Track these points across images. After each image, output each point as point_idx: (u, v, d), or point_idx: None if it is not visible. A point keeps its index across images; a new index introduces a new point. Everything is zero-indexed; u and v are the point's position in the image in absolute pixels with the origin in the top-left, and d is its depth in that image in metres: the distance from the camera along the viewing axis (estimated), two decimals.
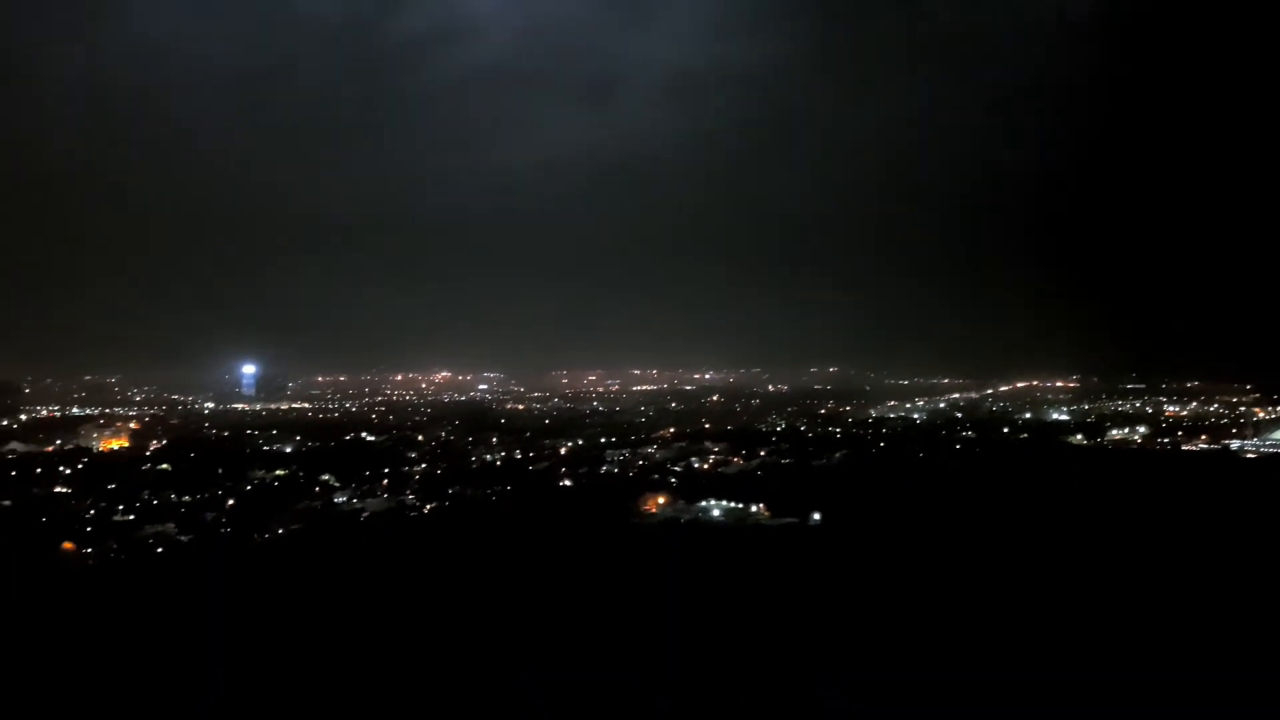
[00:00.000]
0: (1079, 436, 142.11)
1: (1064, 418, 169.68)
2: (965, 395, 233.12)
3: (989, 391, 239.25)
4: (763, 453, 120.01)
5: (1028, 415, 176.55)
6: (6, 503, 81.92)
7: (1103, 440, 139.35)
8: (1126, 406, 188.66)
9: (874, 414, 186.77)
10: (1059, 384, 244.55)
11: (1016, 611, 43.35)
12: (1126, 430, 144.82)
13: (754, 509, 78.86)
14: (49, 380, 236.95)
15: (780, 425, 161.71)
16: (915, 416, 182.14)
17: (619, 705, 32.17)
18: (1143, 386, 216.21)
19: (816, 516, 74.13)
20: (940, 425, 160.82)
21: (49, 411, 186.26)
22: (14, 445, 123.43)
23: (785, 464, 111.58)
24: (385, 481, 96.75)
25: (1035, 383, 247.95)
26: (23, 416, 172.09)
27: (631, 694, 32.79)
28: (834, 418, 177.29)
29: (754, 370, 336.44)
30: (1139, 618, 42.01)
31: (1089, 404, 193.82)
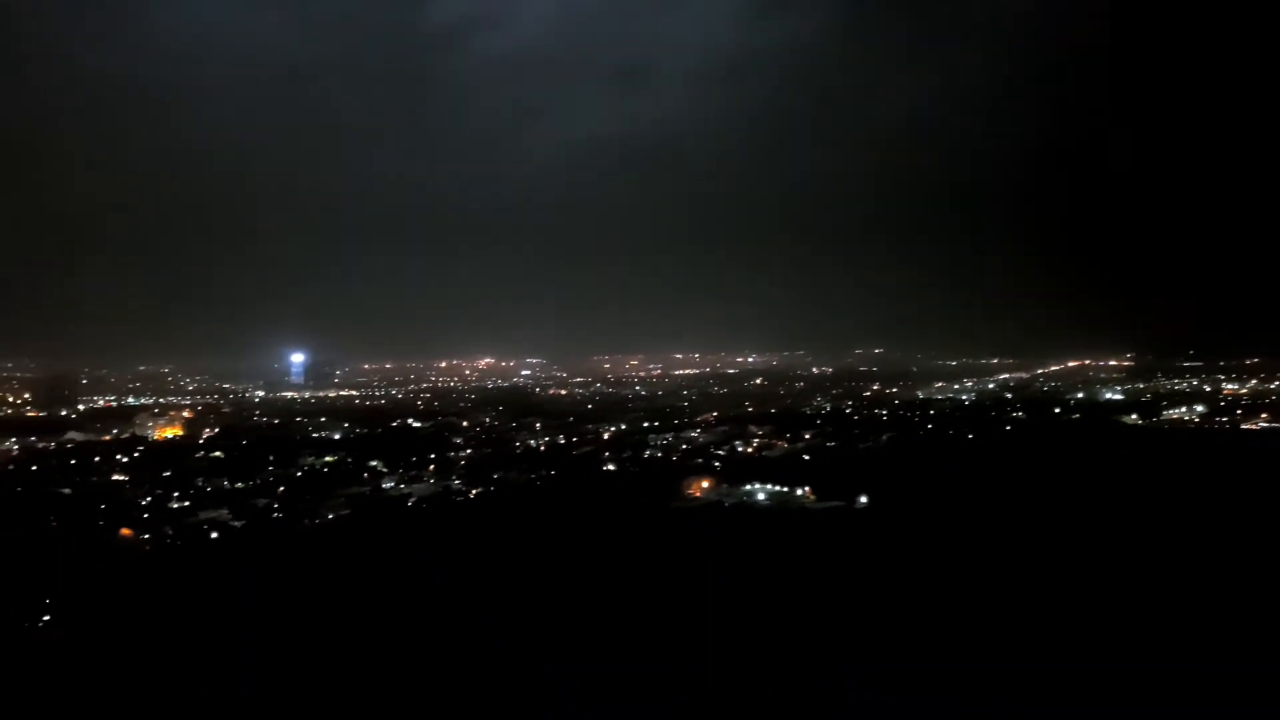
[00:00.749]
0: (1133, 416, 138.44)
1: (1118, 397, 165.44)
2: (1015, 375, 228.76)
3: (1039, 371, 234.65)
4: (807, 436, 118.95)
5: (1080, 395, 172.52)
6: (66, 490, 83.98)
7: (1158, 420, 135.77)
8: (1183, 385, 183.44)
9: (921, 395, 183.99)
10: (1112, 363, 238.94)
11: (1067, 601, 42.17)
12: (1183, 409, 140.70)
13: (799, 492, 78.09)
14: (105, 371, 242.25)
15: (825, 408, 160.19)
16: (963, 398, 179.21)
17: (644, 697, 32.00)
18: (1200, 364, 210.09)
19: (863, 500, 73.14)
20: (989, 406, 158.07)
21: (105, 401, 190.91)
22: (73, 435, 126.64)
23: (830, 447, 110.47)
24: (431, 466, 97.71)
25: (1087, 362, 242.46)
26: (81, 406, 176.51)
27: (657, 686, 32.65)
28: (880, 400, 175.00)
29: (797, 353, 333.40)
30: (1193, 607, 40.58)
31: (1143, 383, 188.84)
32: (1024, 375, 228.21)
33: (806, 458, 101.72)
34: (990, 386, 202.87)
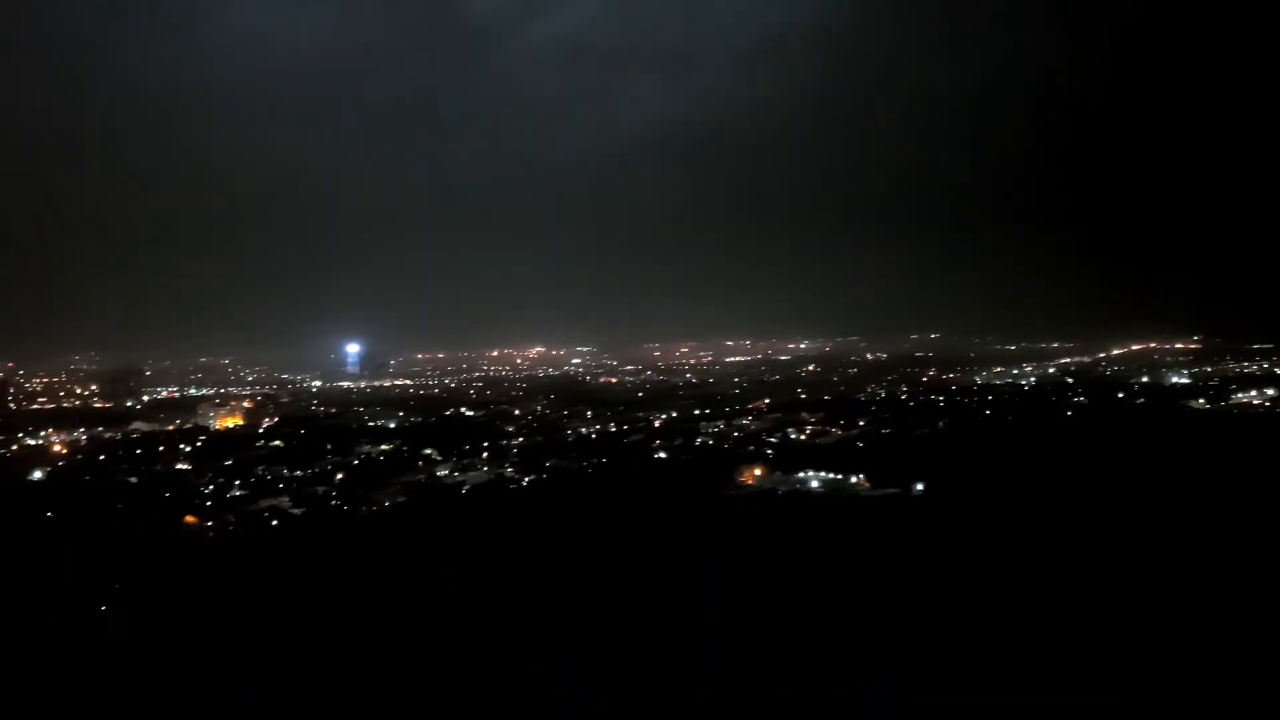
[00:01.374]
0: (1201, 400, 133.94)
1: (1184, 381, 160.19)
2: (1075, 359, 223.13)
3: (1101, 355, 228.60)
4: (862, 422, 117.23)
5: (1144, 379, 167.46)
6: (133, 480, 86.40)
7: (1227, 404, 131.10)
8: (1253, 368, 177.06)
9: (979, 381, 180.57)
10: (1178, 345, 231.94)
11: (1127, 598, 40.65)
12: (1253, 393, 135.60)
13: (853, 480, 77.07)
14: (168, 363, 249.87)
15: (880, 394, 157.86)
16: (1023, 382, 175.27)
17: (658, 696, 31.67)
18: (1270, 346, 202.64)
19: (919, 487, 71.85)
20: (1049, 391, 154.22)
21: (168, 392, 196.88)
22: (138, 425, 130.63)
23: (885, 434, 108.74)
24: (484, 454, 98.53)
25: (1152, 345, 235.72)
26: (145, 397, 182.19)
27: (671, 685, 32.28)
28: (936, 385, 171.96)
29: (851, 339, 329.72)
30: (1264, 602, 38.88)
31: (1211, 366, 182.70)
32: (1085, 359, 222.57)
33: (861, 445, 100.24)
34: (1050, 371, 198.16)
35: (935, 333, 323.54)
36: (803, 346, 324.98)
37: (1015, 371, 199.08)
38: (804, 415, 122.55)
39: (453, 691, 32.52)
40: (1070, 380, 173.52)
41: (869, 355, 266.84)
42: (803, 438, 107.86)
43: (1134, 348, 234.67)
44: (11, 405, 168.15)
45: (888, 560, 49.19)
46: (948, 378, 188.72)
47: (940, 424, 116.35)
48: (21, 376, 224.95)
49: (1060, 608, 38.99)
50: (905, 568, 47.19)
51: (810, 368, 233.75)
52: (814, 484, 78.02)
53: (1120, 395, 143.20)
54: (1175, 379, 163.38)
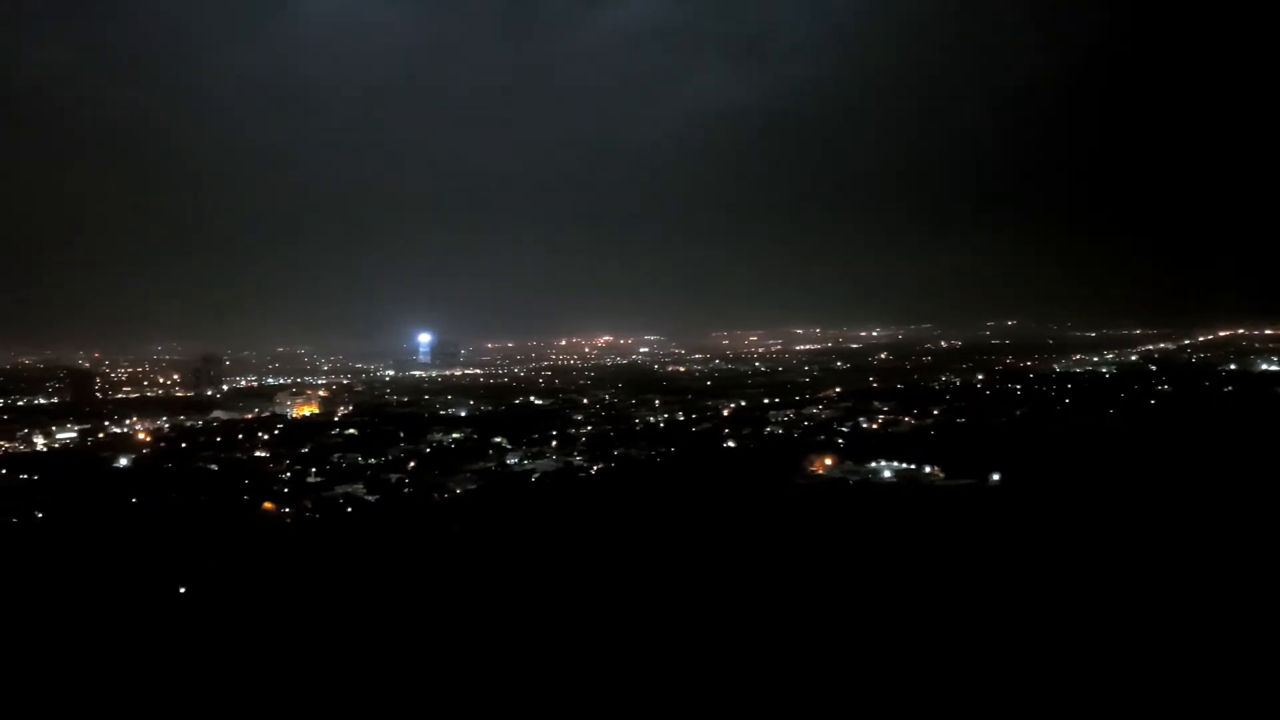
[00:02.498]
0: None
1: (1275, 368, 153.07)
2: (1160, 346, 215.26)
3: (1186, 342, 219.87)
4: (935, 411, 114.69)
5: (1232, 366, 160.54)
6: (213, 467, 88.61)
7: None
8: None
9: (1058, 368, 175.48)
10: (1269, 331, 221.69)
11: (1207, 595, 38.53)
12: None
13: (927, 470, 75.23)
14: (246, 352, 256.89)
15: (954, 382, 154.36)
16: (1104, 370, 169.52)
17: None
18: None
19: (996, 478, 69.78)
20: (1133, 378, 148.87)
21: (248, 381, 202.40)
22: (218, 413, 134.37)
23: (960, 423, 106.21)
24: (553, 443, 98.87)
25: (1240, 330, 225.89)
26: (225, 386, 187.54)
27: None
28: (1013, 373, 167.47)
29: (924, 326, 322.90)
30: None
31: None
32: (1170, 346, 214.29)
33: (934, 434, 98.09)
34: (1133, 358, 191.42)
35: (1012, 319, 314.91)
36: (874, 334, 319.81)
37: (1096, 359, 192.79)
38: (875, 403, 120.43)
39: (522, 679, 32.56)
40: (1153, 368, 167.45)
41: (943, 342, 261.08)
42: (874, 426, 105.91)
43: (1221, 334, 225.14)
44: (98, 394, 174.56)
45: (963, 553, 47.82)
46: (1025, 365, 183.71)
47: (1017, 413, 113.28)
48: (107, 366, 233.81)
49: (1147, 607, 37.34)
50: (982, 561, 45.81)
51: (882, 355, 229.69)
52: (886, 474, 76.35)
53: (1207, 383, 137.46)
54: (1266, 366, 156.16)
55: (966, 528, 55.25)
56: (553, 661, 33.61)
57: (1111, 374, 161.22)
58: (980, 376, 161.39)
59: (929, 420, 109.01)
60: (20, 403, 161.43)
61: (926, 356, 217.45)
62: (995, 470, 70.17)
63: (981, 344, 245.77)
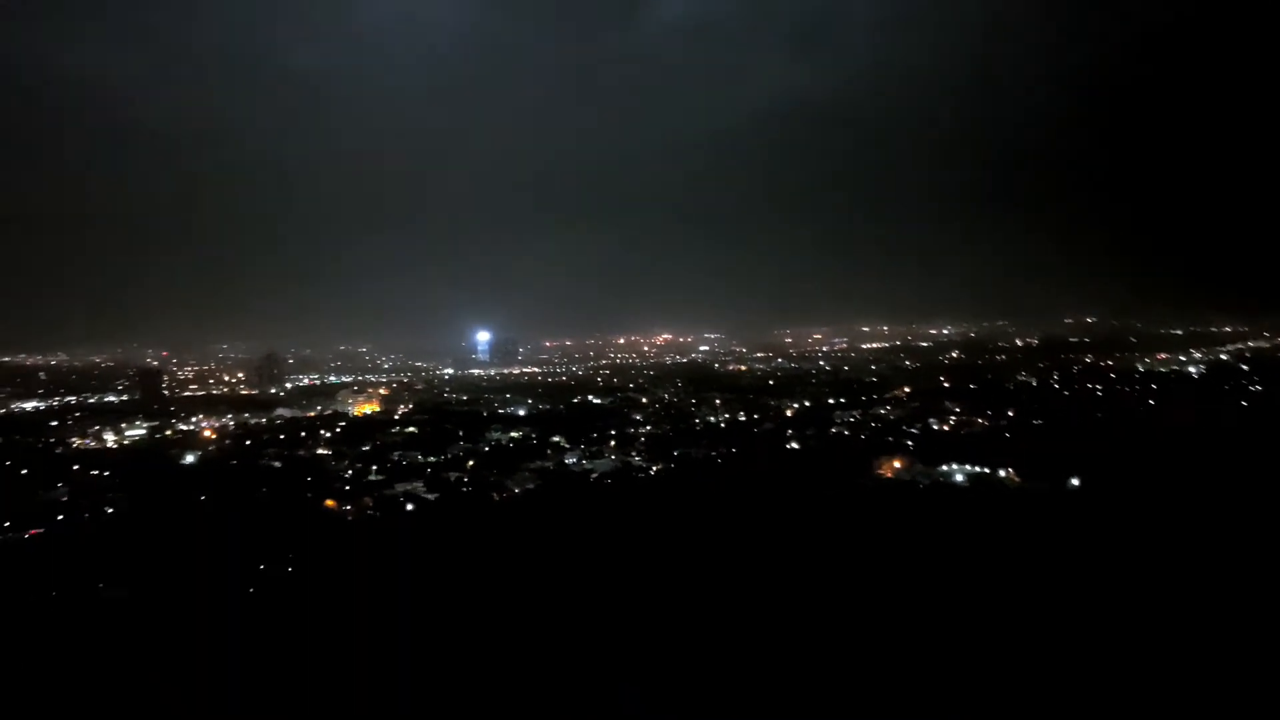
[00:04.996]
0: None
1: None
2: (1251, 344, 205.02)
3: None
4: (1010, 412, 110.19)
5: None
6: (277, 464, 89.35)
7: None
8: None
9: (1141, 367, 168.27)
10: None
11: None
12: None
13: (1001, 473, 71.95)
14: (309, 351, 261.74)
15: (1030, 381, 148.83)
16: (1190, 369, 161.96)
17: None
18: None
19: (1075, 482, 66.20)
20: (1222, 378, 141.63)
21: (310, 379, 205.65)
22: (281, 411, 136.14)
23: (1037, 425, 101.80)
24: (612, 442, 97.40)
25: None
26: (288, 384, 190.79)
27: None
28: (1093, 372, 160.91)
29: (998, 323, 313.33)
30: None
31: None
32: (1262, 344, 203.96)
33: (1009, 436, 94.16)
34: (1222, 357, 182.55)
35: (1092, 315, 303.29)
36: (945, 331, 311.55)
37: (1182, 357, 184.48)
38: (946, 404, 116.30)
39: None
40: (1244, 367, 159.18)
41: (1018, 340, 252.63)
42: (945, 428, 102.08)
43: None
44: (165, 392, 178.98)
45: (1041, 562, 44.82)
46: (1106, 364, 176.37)
47: (1098, 414, 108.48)
48: (175, 365, 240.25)
49: (1237, 623, 34.16)
50: (1061, 571, 42.84)
51: (953, 354, 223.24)
52: (958, 477, 73.20)
53: None
54: None
55: (1044, 535, 52.10)
56: (611, 663, 32.23)
57: (1200, 373, 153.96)
58: (1058, 375, 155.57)
59: (1003, 421, 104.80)
60: (91, 400, 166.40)
61: (1000, 355, 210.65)
62: (1074, 475, 66.71)
63: (1059, 341, 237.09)
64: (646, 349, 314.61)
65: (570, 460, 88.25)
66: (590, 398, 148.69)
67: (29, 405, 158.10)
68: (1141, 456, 77.13)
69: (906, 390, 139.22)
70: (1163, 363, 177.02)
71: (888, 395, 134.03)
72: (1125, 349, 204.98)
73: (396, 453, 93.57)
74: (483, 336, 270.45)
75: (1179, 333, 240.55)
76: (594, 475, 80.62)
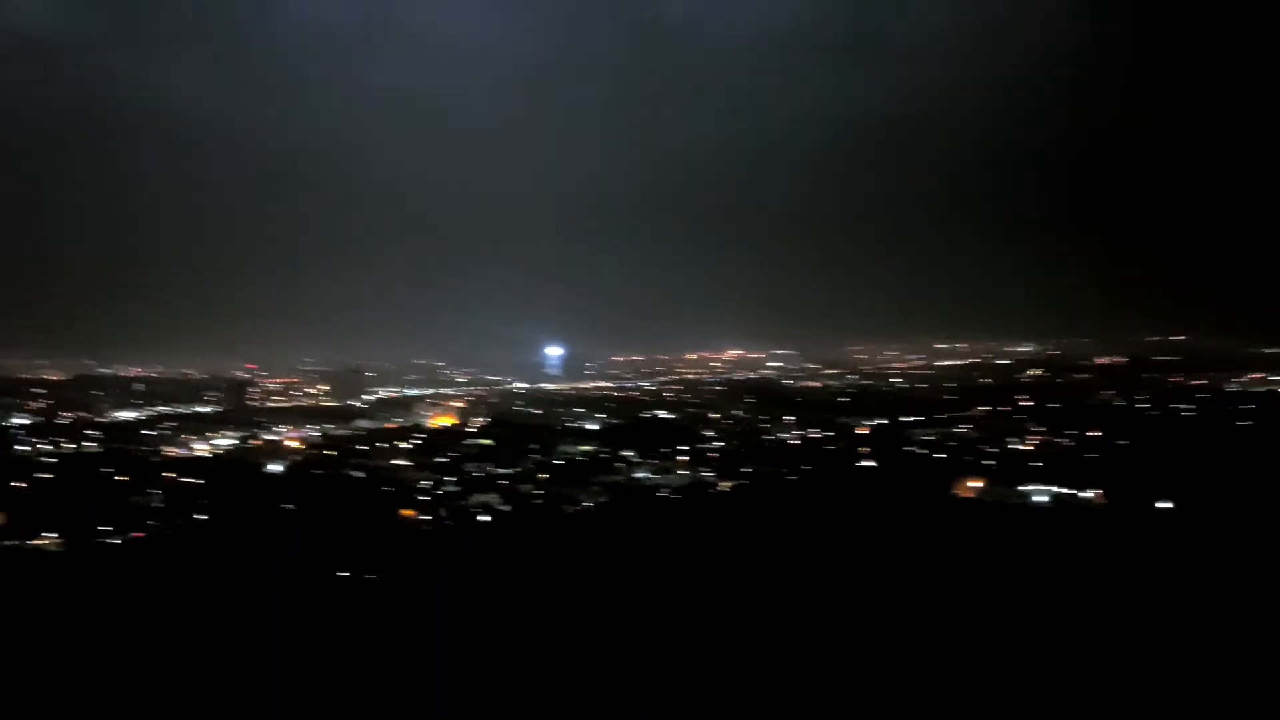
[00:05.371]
0: None
1: None
2: None
3: None
4: (1094, 431, 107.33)
5: None
6: (360, 474, 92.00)
7: None
8: None
9: (1234, 387, 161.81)
10: None
11: None
12: None
13: (1085, 495, 70.11)
14: (388, 364, 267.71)
15: (1115, 401, 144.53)
16: None
17: None
18: None
19: (1164, 505, 64.14)
20: None
21: (388, 392, 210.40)
22: (361, 422, 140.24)
23: (1122, 444, 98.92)
24: (682, 457, 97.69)
25: None
26: (367, 396, 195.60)
27: None
28: (1183, 391, 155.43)
29: (1081, 340, 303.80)
30: None
31: None
32: None
33: (1093, 456, 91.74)
34: None
35: (1181, 333, 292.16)
36: (1025, 348, 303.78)
37: (1275, 376, 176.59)
38: (1026, 423, 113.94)
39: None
40: None
41: (1102, 359, 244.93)
42: (1025, 447, 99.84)
43: None
44: (252, 403, 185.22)
45: (1132, 587, 43.58)
46: (1195, 383, 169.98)
47: (1187, 434, 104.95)
48: (262, 376, 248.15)
49: None
50: (1152, 597, 41.59)
51: (1034, 371, 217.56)
52: (1040, 498, 71.57)
53: None
54: None
55: (1133, 558, 50.64)
56: (679, 680, 32.29)
57: None
58: (1145, 395, 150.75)
59: (1087, 441, 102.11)
60: (184, 410, 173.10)
61: (1084, 373, 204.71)
62: (1163, 498, 64.67)
63: (1145, 359, 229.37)
64: (716, 364, 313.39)
65: (640, 474, 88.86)
66: (659, 413, 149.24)
67: (127, 414, 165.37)
68: (1234, 479, 74.47)
69: (984, 408, 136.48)
70: (1256, 383, 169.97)
71: (965, 413, 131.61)
72: (1215, 368, 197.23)
73: (471, 465, 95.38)
74: (554, 351, 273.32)
75: (1272, 351, 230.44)
76: (664, 490, 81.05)
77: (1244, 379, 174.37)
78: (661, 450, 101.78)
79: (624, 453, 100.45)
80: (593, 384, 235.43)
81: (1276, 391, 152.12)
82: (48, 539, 63.29)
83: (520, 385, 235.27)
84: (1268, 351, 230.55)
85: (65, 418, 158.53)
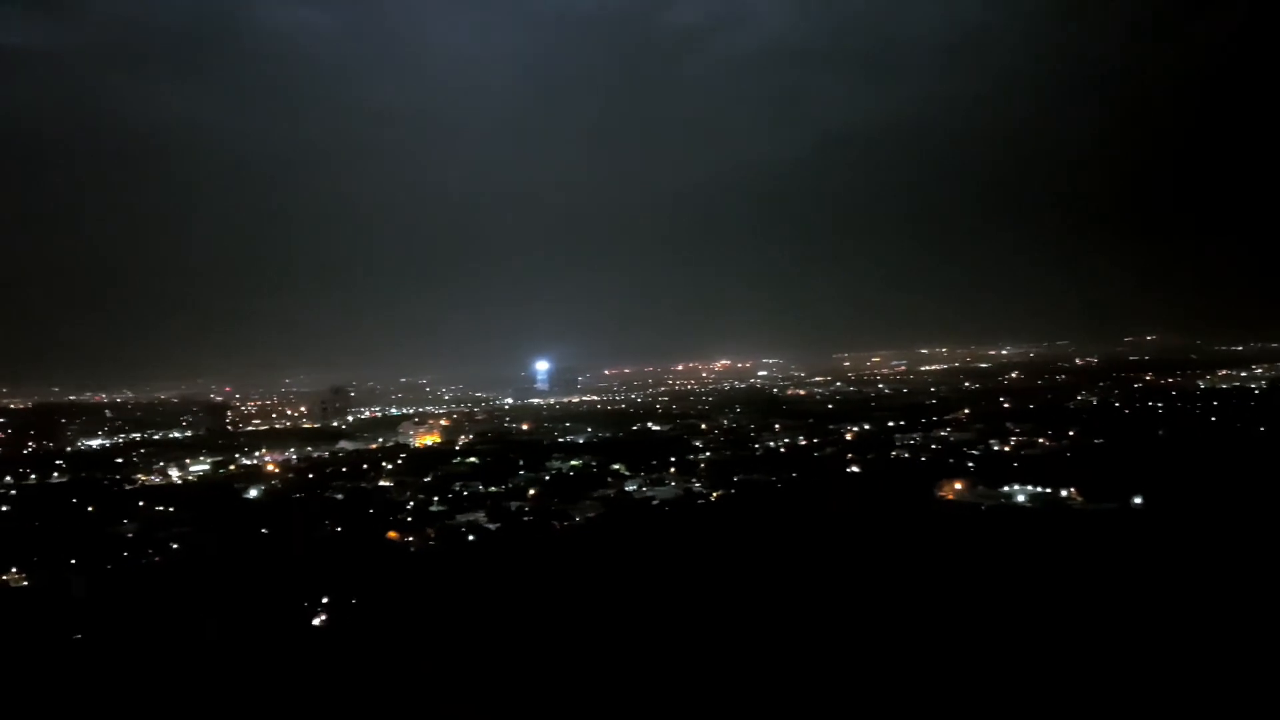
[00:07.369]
0: None
1: None
2: None
3: None
4: (1071, 432, 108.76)
5: None
6: (339, 497, 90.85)
7: None
8: None
9: (1202, 385, 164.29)
10: None
11: None
12: None
13: (1064, 494, 71.29)
14: (371, 383, 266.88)
15: (1091, 401, 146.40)
16: (1253, 386, 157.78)
17: None
18: None
19: (1138, 501, 65.49)
20: None
21: (372, 412, 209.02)
22: (343, 444, 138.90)
23: (1098, 444, 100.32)
24: (672, 469, 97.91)
25: None
26: (350, 417, 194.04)
27: None
28: (1154, 391, 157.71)
29: (1058, 343, 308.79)
30: None
31: None
32: None
33: (1070, 456, 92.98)
34: None
35: (1152, 334, 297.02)
36: (1004, 352, 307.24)
37: (1244, 374, 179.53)
38: (1007, 425, 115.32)
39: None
40: None
41: (1078, 360, 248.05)
42: (1006, 449, 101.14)
43: None
44: (229, 427, 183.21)
45: (1111, 582, 44.42)
46: (1167, 382, 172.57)
47: (1160, 433, 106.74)
48: (238, 400, 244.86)
49: None
50: (1130, 591, 42.45)
51: (1013, 375, 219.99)
52: (1021, 498, 72.72)
53: None
54: None
55: (1110, 555, 51.56)
56: (673, 693, 32.74)
57: (1262, 390, 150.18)
58: (1119, 394, 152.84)
59: (1064, 441, 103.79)
60: (157, 436, 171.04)
61: (1061, 375, 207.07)
62: (1138, 494, 66.07)
63: (1120, 360, 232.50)
64: (705, 375, 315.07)
65: (631, 488, 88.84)
66: (650, 425, 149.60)
67: (95, 443, 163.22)
68: (1204, 474, 75.71)
69: (967, 412, 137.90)
70: (1224, 379, 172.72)
71: (948, 417, 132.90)
72: (1186, 367, 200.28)
73: (458, 483, 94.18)
74: (542, 366, 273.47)
75: (1240, 349, 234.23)
76: (655, 502, 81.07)
77: (1212, 376, 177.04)
78: (653, 462, 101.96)
79: (615, 466, 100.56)
80: (582, 398, 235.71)
81: (1244, 388, 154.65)
82: (10, 576, 61.03)
83: (508, 401, 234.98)
84: (1237, 349, 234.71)
85: (27, 448, 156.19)
